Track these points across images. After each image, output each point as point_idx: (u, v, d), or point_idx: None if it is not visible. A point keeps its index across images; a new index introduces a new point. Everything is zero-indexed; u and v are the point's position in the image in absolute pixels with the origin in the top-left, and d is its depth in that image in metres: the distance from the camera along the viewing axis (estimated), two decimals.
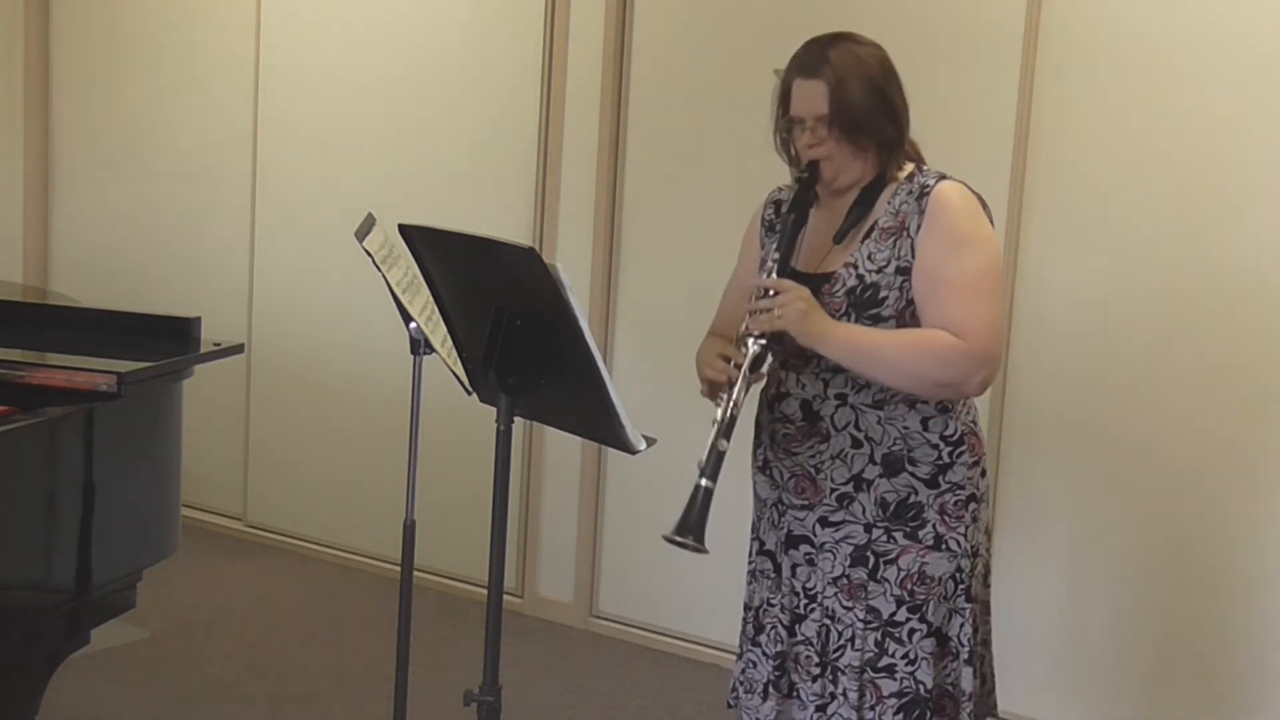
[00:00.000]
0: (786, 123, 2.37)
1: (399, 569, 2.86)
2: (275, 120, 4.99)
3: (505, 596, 2.44)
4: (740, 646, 2.55)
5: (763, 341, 2.27)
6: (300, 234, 4.96)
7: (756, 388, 2.41)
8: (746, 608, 2.55)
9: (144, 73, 5.32)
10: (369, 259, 2.67)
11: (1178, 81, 3.43)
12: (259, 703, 3.75)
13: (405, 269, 2.68)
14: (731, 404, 2.25)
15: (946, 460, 2.33)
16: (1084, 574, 3.64)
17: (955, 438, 2.34)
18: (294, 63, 4.93)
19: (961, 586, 2.35)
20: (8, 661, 2.73)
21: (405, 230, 2.33)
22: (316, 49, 4.87)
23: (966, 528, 2.35)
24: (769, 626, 2.46)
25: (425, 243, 2.34)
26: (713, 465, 2.22)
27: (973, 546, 2.37)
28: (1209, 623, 3.50)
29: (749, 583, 2.54)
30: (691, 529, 2.20)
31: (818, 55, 2.33)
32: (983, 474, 2.40)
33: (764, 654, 2.47)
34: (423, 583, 4.19)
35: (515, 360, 2.20)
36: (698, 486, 2.21)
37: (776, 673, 2.44)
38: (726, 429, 2.24)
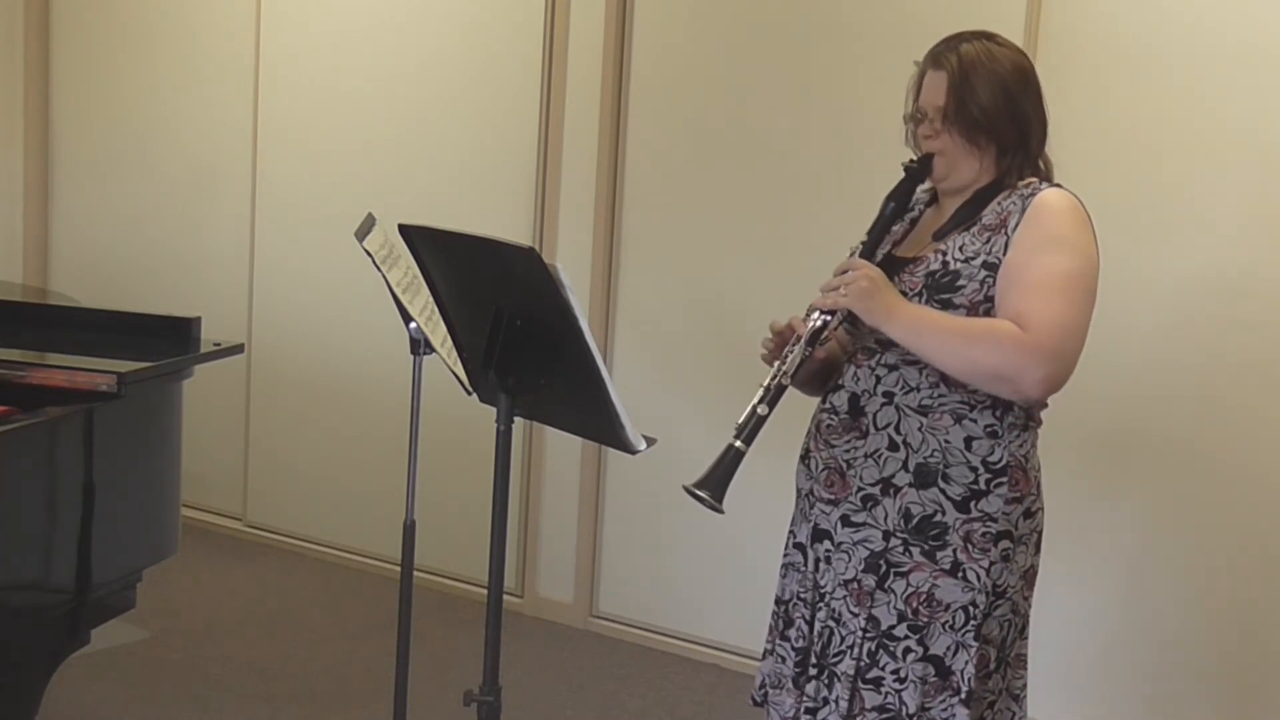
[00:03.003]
0: (914, 112, 2.33)
1: (399, 569, 2.86)
2: (275, 120, 4.99)
3: (505, 596, 2.44)
4: (769, 642, 2.48)
5: (827, 317, 2.26)
6: (300, 234, 4.96)
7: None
8: (777, 601, 2.47)
9: (144, 73, 5.32)
10: (369, 259, 2.67)
11: (1178, 81, 3.43)
12: (259, 703, 3.75)
13: (405, 269, 2.68)
14: (781, 373, 2.25)
15: (983, 487, 2.22)
16: (1094, 576, 3.64)
17: (998, 465, 2.22)
18: (294, 62, 4.93)
19: (973, 622, 2.23)
20: (8, 661, 2.73)
21: (405, 230, 2.33)
22: (316, 49, 4.87)
23: (992, 564, 2.22)
24: (798, 620, 2.40)
25: (425, 243, 2.33)
26: (749, 429, 2.21)
27: (997, 585, 2.24)
28: (1214, 625, 3.50)
29: (781, 576, 2.47)
30: (712, 485, 2.20)
31: (949, 47, 2.29)
32: (1027, 514, 2.27)
33: (791, 648, 2.41)
34: (423, 583, 4.20)
35: (515, 360, 2.20)
36: (729, 446, 2.21)
37: (798, 669, 2.39)
38: (771, 396, 2.24)
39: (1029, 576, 2.33)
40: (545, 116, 4.37)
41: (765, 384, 2.25)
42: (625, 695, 3.95)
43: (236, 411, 5.18)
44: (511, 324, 2.18)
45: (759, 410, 2.22)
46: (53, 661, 2.88)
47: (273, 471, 5.13)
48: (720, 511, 2.21)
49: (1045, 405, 2.31)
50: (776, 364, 2.27)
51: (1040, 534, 2.33)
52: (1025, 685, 2.39)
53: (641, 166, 4.24)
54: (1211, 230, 3.42)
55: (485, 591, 2.34)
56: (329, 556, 4.94)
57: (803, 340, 2.26)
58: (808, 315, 2.28)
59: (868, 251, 2.32)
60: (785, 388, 2.26)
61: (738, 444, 2.21)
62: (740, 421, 2.23)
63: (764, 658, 2.50)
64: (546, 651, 4.23)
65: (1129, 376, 3.53)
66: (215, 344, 3.20)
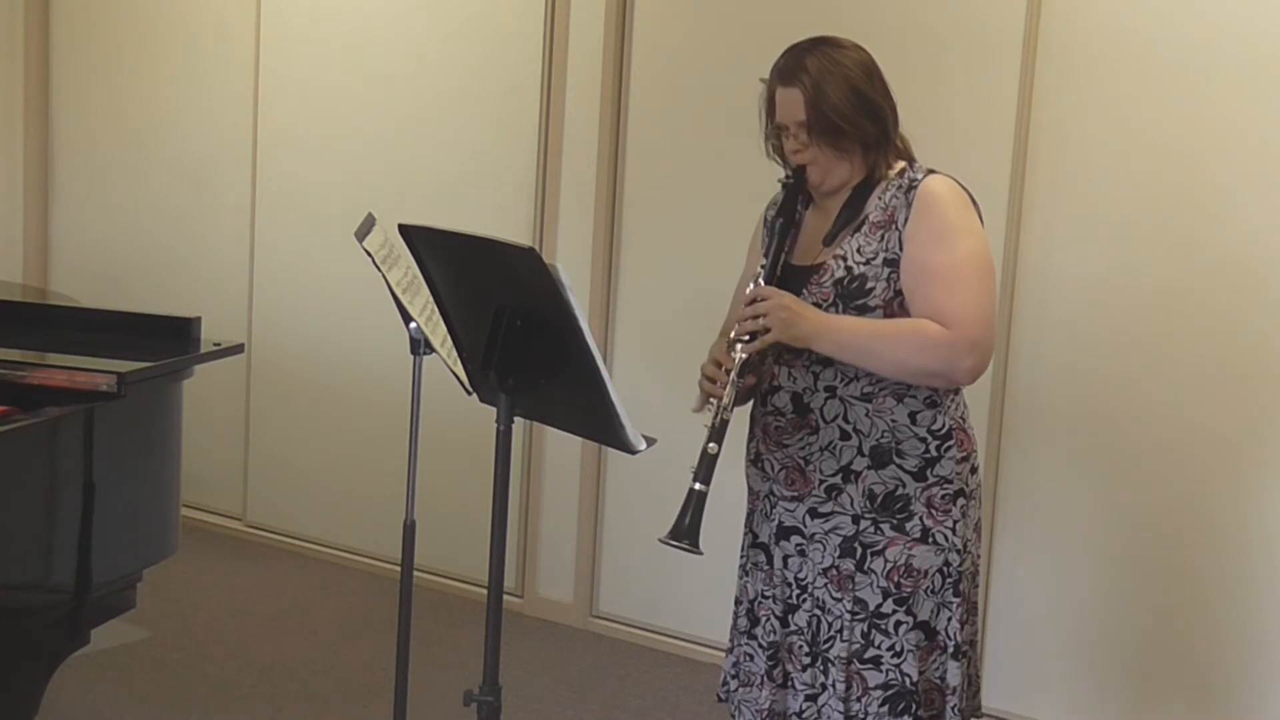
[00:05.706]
0: (774, 129, 2.43)
1: (399, 569, 2.86)
2: (275, 120, 4.99)
3: (505, 596, 2.44)
4: (731, 640, 2.58)
5: (751, 347, 2.35)
6: (300, 234, 4.96)
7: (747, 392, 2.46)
8: (738, 601, 2.58)
9: (144, 73, 5.31)
10: (369, 259, 2.67)
11: (1177, 81, 3.43)
12: (259, 703, 3.75)
13: (405, 269, 2.68)
14: (722, 409, 2.34)
15: (934, 454, 2.35)
16: (1079, 569, 3.64)
17: (943, 432, 2.36)
18: (294, 63, 4.92)
19: (950, 580, 2.37)
20: (8, 661, 2.73)
21: (405, 230, 2.34)
22: (317, 49, 4.87)
23: (955, 522, 2.37)
24: (764, 618, 2.49)
25: (425, 243, 2.34)
26: (705, 469, 2.31)
27: (962, 541, 2.39)
28: (1201, 622, 3.50)
29: (740, 576, 2.58)
30: (685, 532, 2.29)
31: (795, 62, 2.39)
32: (973, 470, 2.42)
33: (759, 645, 2.49)
34: (423, 583, 4.19)
35: (515, 360, 2.20)
36: (691, 490, 2.30)
37: (771, 663, 2.47)
38: (717, 434, 2.33)
39: (978, 529, 2.48)
40: (545, 116, 4.37)
41: (710, 424, 2.34)
42: (625, 695, 3.95)
43: (236, 411, 5.18)
44: (511, 324, 2.18)
45: (709, 449, 2.32)
46: (53, 661, 2.88)
47: (273, 471, 5.13)
48: (699, 554, 2.29)
49: None
50: (715, 402, 2.36)
51: (981, 486, 2.48)
52: (977, 630, 2.54)
53: (641, 166, 4.24)
54: (1208, 226, 3.42)
55: (485, 591, 2.34)
56: (329, 556, 4.94)
57: (733, 374, 2.35)
58: (731, 347, 2.36)
59: (770, 276, 2.41)
60: (728, 422, 2.34)
61: (697, 486, 2.31)
62: (695, 465, 2.32)
63: (727, 655, 2.60)
64: (546, 651, 4.23)
65: (1100, 366, 3.54)
66: (215, 344, 3.20)
